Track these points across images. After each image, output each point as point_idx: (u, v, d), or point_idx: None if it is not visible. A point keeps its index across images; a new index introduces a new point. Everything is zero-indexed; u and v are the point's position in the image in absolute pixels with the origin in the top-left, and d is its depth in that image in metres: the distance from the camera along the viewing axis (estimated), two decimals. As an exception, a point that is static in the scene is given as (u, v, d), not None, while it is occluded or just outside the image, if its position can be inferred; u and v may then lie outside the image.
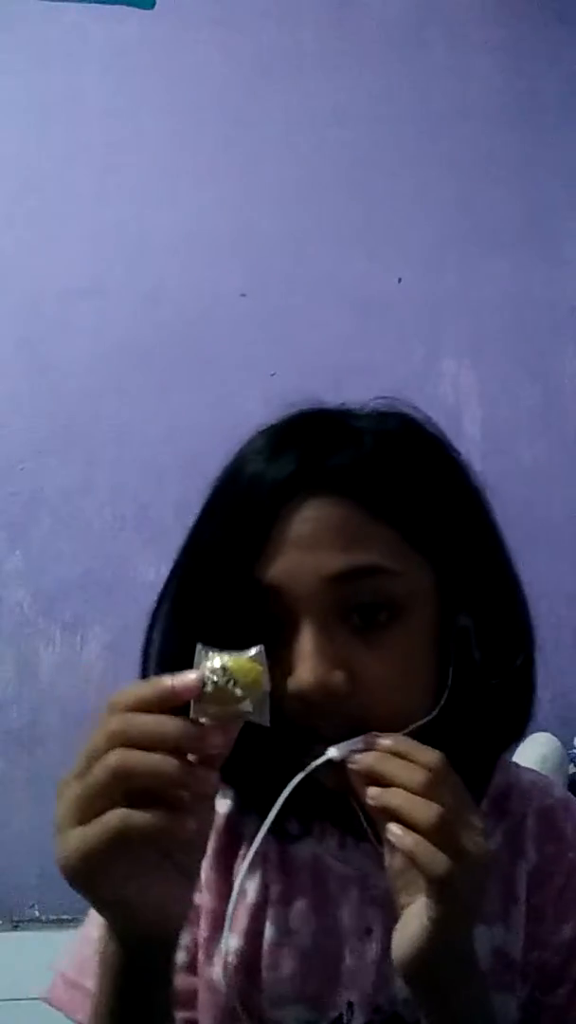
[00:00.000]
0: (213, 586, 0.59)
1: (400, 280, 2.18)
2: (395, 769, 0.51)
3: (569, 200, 2.25)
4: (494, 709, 0.63)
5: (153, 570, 2.00)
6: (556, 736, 1.67)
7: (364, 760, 0.53)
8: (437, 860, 0.48)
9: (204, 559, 0.61)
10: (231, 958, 0.65)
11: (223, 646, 0.50)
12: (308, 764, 0.54)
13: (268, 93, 2.20)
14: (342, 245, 2.17)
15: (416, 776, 0.51)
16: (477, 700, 0.62)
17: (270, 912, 0.67)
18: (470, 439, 2.05)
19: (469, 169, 2.23)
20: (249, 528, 0.57)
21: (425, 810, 0.49)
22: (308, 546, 0.57)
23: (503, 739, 0.67)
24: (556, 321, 2.22)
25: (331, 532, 0.57)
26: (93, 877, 0.46)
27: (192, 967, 0.67)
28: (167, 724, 0.47)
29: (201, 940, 0.67)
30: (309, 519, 0.57)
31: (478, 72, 2.26)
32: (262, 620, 0.57)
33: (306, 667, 0.55)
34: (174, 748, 0.46)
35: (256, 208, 2.16)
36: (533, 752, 1.57)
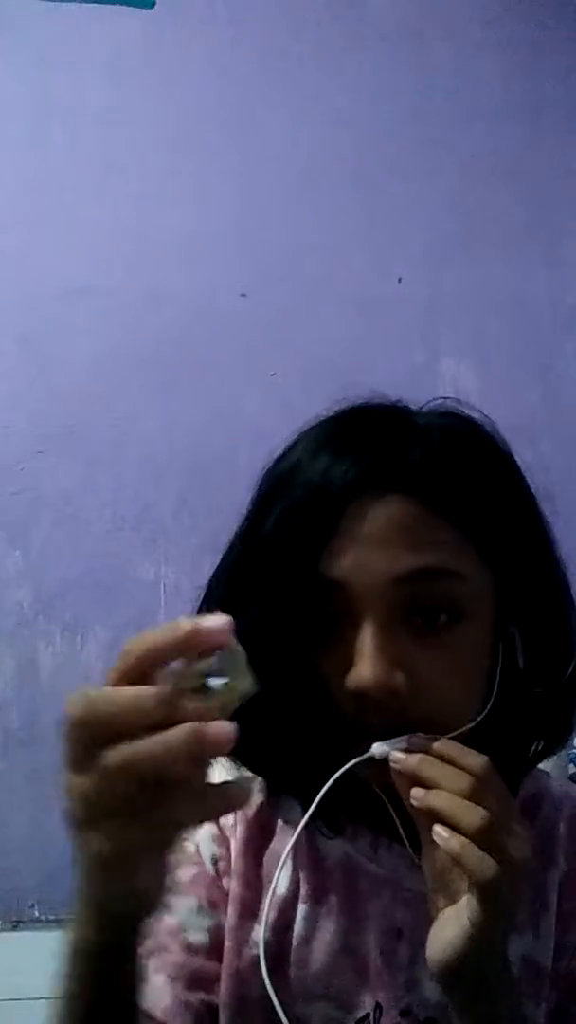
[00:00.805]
0: (273, 579, 0.58)
1: (400, 280, 2.17)
2: (440, 773, 0.51)
3: (570, 200, 2.25)
4: (536, 718, 0.63)
5: (153, 570, 2.00)
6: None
7: (408, 762, 0.52)
8: (485, 864, 0.48)
9: (264, 552, 0.59)
10: (260, 950, 0.65)
11: (277, 639, 0.48)
12: (350, 758, 0.54)
13: (268, 93, 2.20)
14: (342, 245, 2.17)
15: (461, 781, 0.50)
16: (520, 708, 0.62)
17: (300, 908, 0.66)
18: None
19: (470, 169, 2.23)
20: (317, 523, 0.57)
21: (471, 814, 0.49)
22: (378, 544, 0.56)
23: (543, 748, 0.67)
24: (556, 321, 2.22)
25: (401, 531, 0.56)
26: (130, 867, 0.42)
27: (214, 951, 0.66)
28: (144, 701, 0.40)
29: (228, 927, 0.66)
30: (379, 516, 0.56)
31: (479, 72, 2.26)
32: (321, 615, 0.57)
33: (367, 665, 0.54)
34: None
35: (256, 208, 2.16)
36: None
